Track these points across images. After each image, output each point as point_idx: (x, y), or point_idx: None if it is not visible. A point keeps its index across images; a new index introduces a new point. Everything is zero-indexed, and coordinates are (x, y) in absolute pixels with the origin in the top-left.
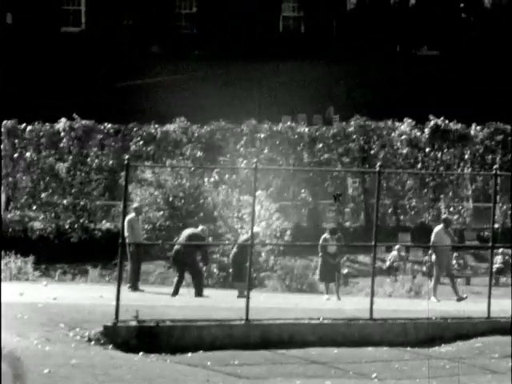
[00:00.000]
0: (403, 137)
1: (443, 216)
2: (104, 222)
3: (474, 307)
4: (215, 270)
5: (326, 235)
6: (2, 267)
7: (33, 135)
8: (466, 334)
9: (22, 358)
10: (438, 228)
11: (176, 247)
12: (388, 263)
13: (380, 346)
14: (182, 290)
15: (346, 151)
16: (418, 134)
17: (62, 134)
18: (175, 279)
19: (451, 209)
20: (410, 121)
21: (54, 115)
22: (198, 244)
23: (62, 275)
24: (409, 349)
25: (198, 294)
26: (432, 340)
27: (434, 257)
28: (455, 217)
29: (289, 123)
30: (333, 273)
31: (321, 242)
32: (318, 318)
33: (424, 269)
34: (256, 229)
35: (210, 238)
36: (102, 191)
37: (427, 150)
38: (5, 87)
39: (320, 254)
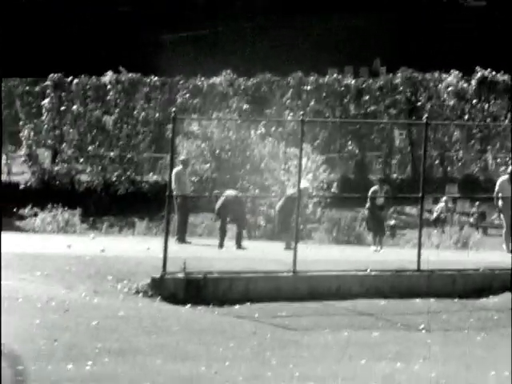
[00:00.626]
0: (450, 88)
1: (510, 168)
2: (151, 174)
3: None
4: (262, 222)
5: (375, 187)
6: (50, 219)
7: (79, 88)
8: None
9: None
10: (502, 178)
11: (222, 198)
12: (435, 215)
13: (427, 298)
14: (227, 242)
15: (393, 103)
16: (465, 85)
17: (109, 86)
18: (219, 232)
19: (498, 160)
20: (456, 72)
21: (101, 68)
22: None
23: (109, 228)
24: (456, 300)
25: (238, 245)
26: (480, 291)
27: (500, 205)
28: (502, 168)
29: (335, 75)
30: (380, 224)
31: (370, 193)
32: (365, 270)
33: (471, 220)
34: (305, 184)
35: (257, 190)
36: (148, 144)
37: (474, 101)
38: (50, 40)
39: (367, 205)
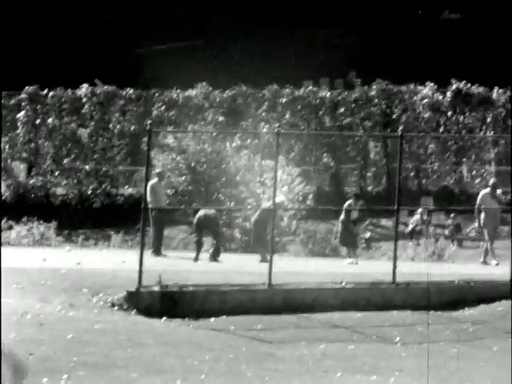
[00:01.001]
0: (425, 100)
1: (491, 180)
2: (126, 187)
3: (496, 270)
4: (237, 235)
5: (350, 201)
6: (25, 233)
7: (55, 101)
8: (489, 298)
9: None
10: (484, 192)
11: (199, 214)
12: (410, 227)
13: (403, 310)
14: (202, 255)
15: (368, 115)
16: (440, 97)
17: (84, 99)
18: (195, 245)
19: (473, 172)
20: (431, 84)
21: (76, 81)
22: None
23: (84, 241)
24: (432, 312)
25: (214, 258)
26: (455, 303)
27: (482, 219)
28: (477, 180)
29: (310, 88)
30: (353, 237)
31: (345, 206)
32: (341, 282)
33: (446, 232)
34: (281, 198)
35: (233, 203)
36: (124, 157)
37: (449, 113)
38: (26, 53)
39: (341, 218)
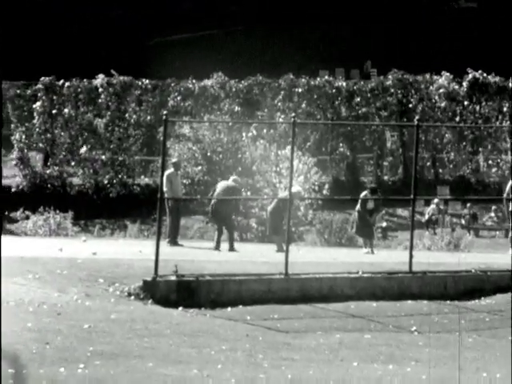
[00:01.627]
0: (441, 90)
1: None
2: (142, 177)
3: None
4: (254, 225)
5: (366, 192)
6: (42, 223)
7: (71, 91)
8: (506, 287)
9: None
10: None
11: (213, 201)
12: (427, 216)
13: (419, 300)
14: (223, 245)
15: (384, 105)
16: (457, 87)
17: (100, 89)
18: (215, 233)
19: (490, 162)
20: (448, 74)
21: (92, 71)
22: (232, 198)
23: (100, 230)
24: (448, 302)
25: (230, 248)
26: (471, 293)
27: (510, 208)
28: (493, 170)
29: (326, 77)
30: (369, 228)
31: (361, 196)
32: (357, 272)
33: (463, 222)
34: (297, 188)
35: (249, 193)
36: (140, 147)
37: (465, 103)
38: (42, 44)
39: (357, 209)
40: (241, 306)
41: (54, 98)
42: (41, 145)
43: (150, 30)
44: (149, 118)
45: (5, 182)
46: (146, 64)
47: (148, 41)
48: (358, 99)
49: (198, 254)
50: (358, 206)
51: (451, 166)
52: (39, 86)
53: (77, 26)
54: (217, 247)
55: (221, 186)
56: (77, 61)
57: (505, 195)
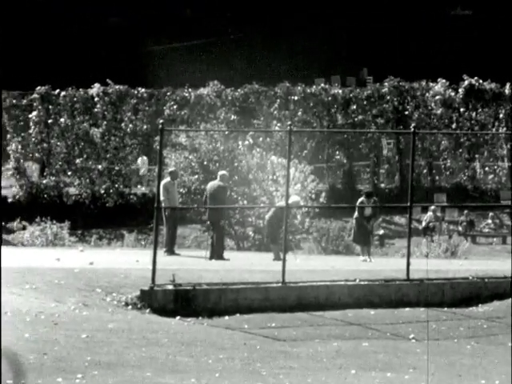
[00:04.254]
0: (437, 97)
1: None
2: (139, 186)
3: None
4: (251, 233)
5: (362, 198)
6: (39, 233)
7: (67, 101)
8: (503, 294)
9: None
10: None
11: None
12: (424, 224)
13: (417, 307)
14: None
15: (380, 112)
16: (452, 94)
17: (96, 99)
18: (209, 241)
19: (486, 168)
20: (443, 81)
21: (88, 80)
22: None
23: (97, 240)
24: (446, 309)
25: (218, 256)
26: (469, 300)
27: None
28: (490, 176)
29: (322, 85)
30: (367, 235)
31: (357, 203)
32: (355, 280)
33: (460, 229)
34: (295, 198)
35: (245, 201)
36: (136, 156)
37: (461, 109)
38: (37, 54)
39: (355, 216)
40: (238, 315)
41: (50, 107)
42: (37, 155)
43: (145, 38)
44: (145, 127)
45: (1, 192)
46: (142, 73)
47: (144, 49)
48: (354, 107)
49: (195, 263)
50: (356, 213)
51: (448, 173)
52: (35, 95)
53: (72, 35)
54: (211, 256)
55: (210, 187)
56: (72, 70)
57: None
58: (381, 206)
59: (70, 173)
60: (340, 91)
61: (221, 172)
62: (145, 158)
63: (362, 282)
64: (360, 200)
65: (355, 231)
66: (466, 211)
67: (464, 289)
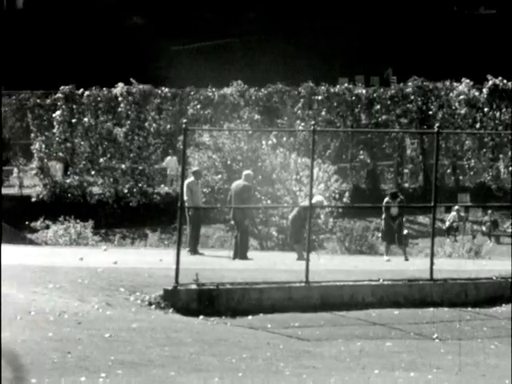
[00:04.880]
0: (461, 97)
1: None
2: (163, 186)
3: None
4: (274, 233)
5: (387, 199)
6: (62, 232)
7: (90, 100)
8: None
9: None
10: None
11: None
12: (447, 223)
13: (440, 307)
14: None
15: (404, 112)
16: (477, 93)
17: (120, 98)
18: (233, 241)
19: (510, 168)
20: (467, 81)
21: (112, 80)
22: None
23: (121, 240)
24: (469, 309)
25: (242, 255)
26: (492, 300)
27: None
28: None
29: (346, 85)
30: (394, 234)
31: (384, 203)
32: (378, 279)
33: (484, 229)
34: (319, 197)
35: (269, 201)
36: (160, 155)
37: (486, 109)
38: (61, 53)
39: (383, 216)
40: (261, 314)
41: (74, 107)
42: (61, 154)
43: (169, 38)
44: (168, 126)
45: (25, 191)
46: (166, 72)
47: (167, 49)
48: (378, 106)
49: (218, 263)
50: (384, 214)
51: (471, 172)
52: (59, 95)
53: (96, 35)
54: (235, 256)
55: (234, 186)
56: (96, 69)
57: None
58: (405, 205)
59: (93, 172)
60: (364, 91)
61: (245, 171)
62: (174, 157)
63: (386, 282)
64: (385, 200)
65: (383, 231)
66: (489, 211)
67: (487, 289)
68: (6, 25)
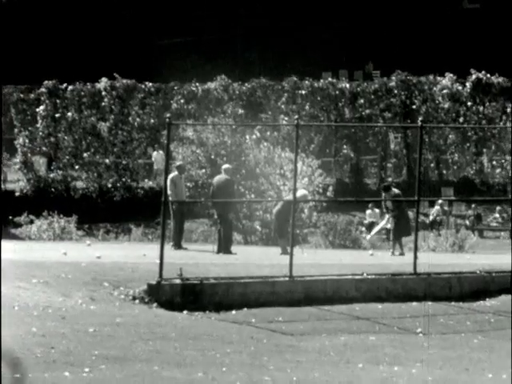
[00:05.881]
0: (445, 91)
1: None
2: (146, 180)
3: None
4: (258, 227)
5: (384, 195)
6: (46, 227)
7: (74, 95)
8: (511, 288)
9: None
10: None
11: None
12: (431, 218)
13: (424, 301)
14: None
15: (388, 106)
16: (460, 88)
17: (103, 93)
18: (217, 236)
19: (494, 162)
20: (451, 75)
21: (95, 74)
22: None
23: (105, 234)
24: (453, 303)
25: (226, 250)
26: (476, 294)
27: None
28: (497, 170)
29: (330, 79)
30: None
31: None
32: (362, 274)
33: (467, 223)
34: (303, 191)
35: (253, 195)
36: (143, 150)
37: (469, 103)
38: (44, 48)
39: (387, 216)
40: (245, 309)
41: (57, 101)
42: (44, 149)
43: (153, 32)
44: (152, 121)
45: (9, 186)
46: (150, 67)
47: (151, 43)
48: (362, 101)
49: (202, 257)
50: (389, 212)
51: (455, 167)
52: (42, 89)
53: (79, 29)
54: (219, 250)
55: (216, 181)
56: (80, 64)
57: None
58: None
59: (77, 167)
60: (347, 85)
61: (224, 166)
62: (161, 152)
63: (370, 276)
64: (383, 195)
65: (395, 228)
66: (473, 205)
67: (471, 283)
68: None
